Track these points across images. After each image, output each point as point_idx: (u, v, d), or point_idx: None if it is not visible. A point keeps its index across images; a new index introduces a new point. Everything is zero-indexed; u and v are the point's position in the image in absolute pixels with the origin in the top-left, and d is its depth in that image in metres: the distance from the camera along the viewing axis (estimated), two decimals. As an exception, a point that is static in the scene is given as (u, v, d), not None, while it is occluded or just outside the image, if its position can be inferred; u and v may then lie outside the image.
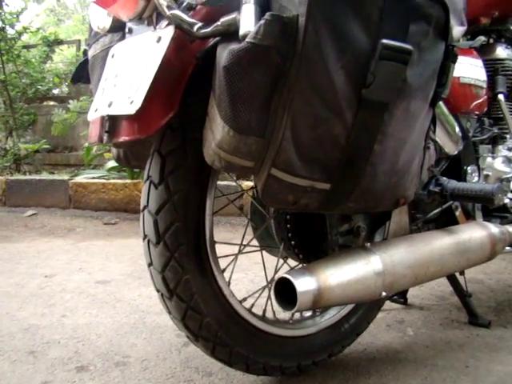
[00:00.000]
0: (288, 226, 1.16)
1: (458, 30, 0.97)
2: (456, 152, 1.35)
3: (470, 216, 1.48)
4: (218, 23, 0.84)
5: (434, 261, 1.12)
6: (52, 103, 6.22)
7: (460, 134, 1.36)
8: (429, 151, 1.07)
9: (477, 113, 1.49)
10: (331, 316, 1.26)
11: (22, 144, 5.23)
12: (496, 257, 1.35)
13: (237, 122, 0.80)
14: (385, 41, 0.81)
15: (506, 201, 1.47)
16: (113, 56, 1.03)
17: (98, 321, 1.65)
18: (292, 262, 1.32)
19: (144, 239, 1.01)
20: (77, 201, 3.91)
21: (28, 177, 4.32)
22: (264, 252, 1.34)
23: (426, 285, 1.98)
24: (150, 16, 0.95)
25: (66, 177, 4.19)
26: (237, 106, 0.80)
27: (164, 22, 0.92)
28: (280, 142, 0.82)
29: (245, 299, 1.13)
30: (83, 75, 1.21)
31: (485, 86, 1.46)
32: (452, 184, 1.22)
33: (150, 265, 1.02)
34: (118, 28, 1.05)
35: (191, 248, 1.00)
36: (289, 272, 0.95)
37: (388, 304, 1.76)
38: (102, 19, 1.06)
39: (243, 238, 1.20)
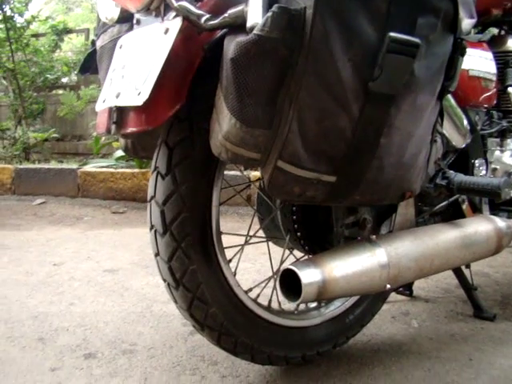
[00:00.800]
0: (294, 217, 1.17)
1: (467, 23, 0.96)
2: (464, 145, 1.35)
3: (476, 210, 1.48)
4: (226, 15, 0.84)
5: (439, 254, 1.12)
6: (61, 92, 6.23)
7: (468, 127, 1.35)
8: (436, 144, 1.07)
9: (486, 106, 1.49)
10: (336, 307, 1.27)
11: (31, 133, 5.25)
12: (502, 251, 1.35)
13: (243, 114, 0.81)
14: (392, 34, 0.81)
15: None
16: (121, 47, 1.04)
17: (105, 309, 1.67)
18: (298, 254, 1.33)
19: (151, 229, 1.02)
20: (85, 190, 3.93)
21: (37, 165, 4.35)
22: (271, 243, 1.34)
23: (431, 277, 1.98)
24: (158, 7, 0.95)
25: (74, 166, 4.21)
26: (244, 98, 0.80)
27: (172, 14, 0.92)
28: (286, 135, 0.82)
29: (250, 289, 1.14)
30: (91, 66, 1.22)
31: (494, 78, 1.45)
32: (459, 177, 1.21)
33: (156, 255, 1.03)
34: (126, 19, 1.06)
35: (198, 238, 1.01)
36: (294, 263, 0.96)
37: (393, 296, 1.77)
38: (110, 10, 1.06)
39: (249, 228, 1.21)
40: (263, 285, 1.23)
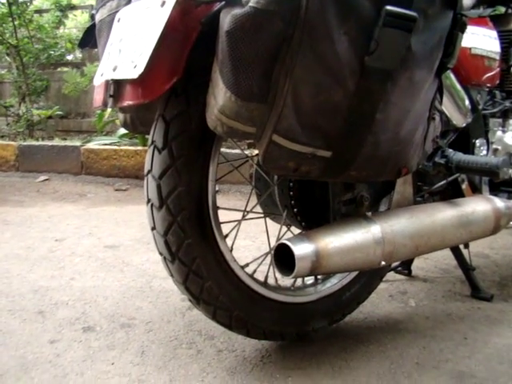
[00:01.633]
0: (291, 193, 1.17)
1: None
2: (464, 124, 1.34)
3: (476, 190, 1.47)
4: (223, -12, 0.83)
5: (435, 232, 1.12)
6: (66, 69, 6.20)
7: (469, 107, 1.34)
8: (434, 122, 1.07)
9: (488, 85, 1.47)
10: (332, 284, 1.27)
11: (34, 110, 5.25)
12: (500, 231, 1.35)
13: (239, 87, 0.80)
14: (389, 7, 0.80)
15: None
16: (119, 20, 1.03)
17: (105, 284, 1.69)
18: (296, 231, 1.33)
19: (147, 203, 1.03)
20: (88, 167, 3.94)
21: (40, 142, 4.35)
22: (271, 220, 1.35)
23: (431, 258, 1.99)
24: (156, -20, 0.93)
25: (78, 143, 4.21)
26: (239, 72, 0.80)
27: (169, -13, 0.91)
28: (281, 109, 0.82)
29: (247, 265, 1.15)
30: (90, 40, 1.21)
31: (498, 57, 1.44)
32: (458, 156, 1.21)
33: (153, 228, 1.04)
34: (125, -7, 1.05)
35: (193, 213, 1.01)
36: (288, 238, 0.96)
37: (392, 275, 1.78)
38: (108, -17, 1.05)
39: (247, 204, 1.21)
40: (260, 261, 1.24)
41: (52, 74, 6.15)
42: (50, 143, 4.24)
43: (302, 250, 0.91)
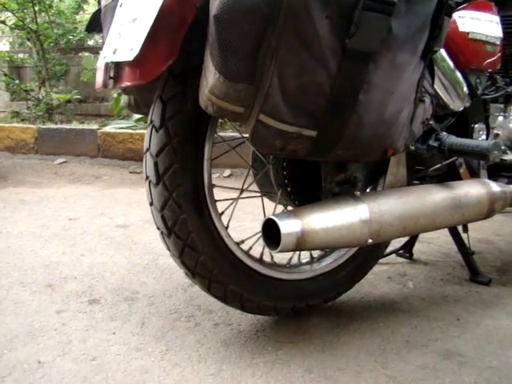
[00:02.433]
0: (285, 172, 1.20)
1: None
2: (461, 109, 1.35)
3: (474, 174, 1.48)
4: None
5: (425, 213, 1.14)
6: (86, 54, 6.28)
7: (467, 91, 1.35)
8: (424, 104, 1.08)
9: (489, 70, 1.47)
10: (328, 263, 1.31)
11: (54, 94, 5.34)
12: (494, 215, 1.37)
13: (226, 68, 0.84)
14: None
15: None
16: (121, 5, 1.07)
17: (113, 260, 1.75)
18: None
19: (146, 180, 1.08)
20: (105, 150, 4.02)
21: (59, 126, 4.44)
22: (266, 199, 1.38)
23: (434, 242, 2.01)
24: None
25: (95, 126, 4.29)
26: (226, 54, 0.83)
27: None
28: (267, 89, 0.85)
29: (242, 241, 1.19)
30: (97, 25, 1.25)
31: (498, 42, 1.44)
32: (450, 139, 1.22)
33: (151, 204, 1.09)
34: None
35: (189, 189, 1.06)
36: (276, 214, 1.00)
37: (393, 258, 1.81)
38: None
39: (244, 183, 1.25)
40: (256, 239, 1.28)
41: (71, 58, 6.22)
42: (68, 126, 4.33)
43: (287, 225, 0.95)
